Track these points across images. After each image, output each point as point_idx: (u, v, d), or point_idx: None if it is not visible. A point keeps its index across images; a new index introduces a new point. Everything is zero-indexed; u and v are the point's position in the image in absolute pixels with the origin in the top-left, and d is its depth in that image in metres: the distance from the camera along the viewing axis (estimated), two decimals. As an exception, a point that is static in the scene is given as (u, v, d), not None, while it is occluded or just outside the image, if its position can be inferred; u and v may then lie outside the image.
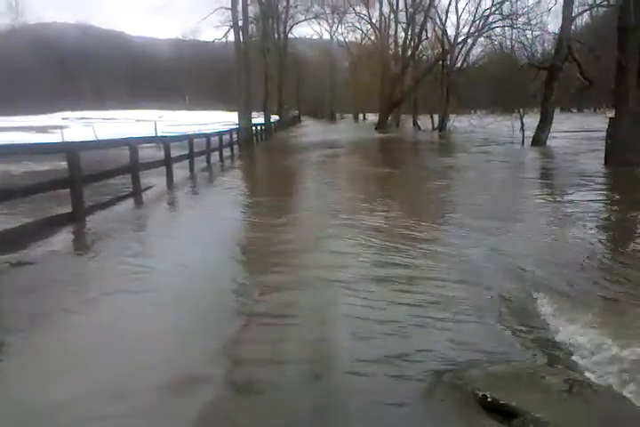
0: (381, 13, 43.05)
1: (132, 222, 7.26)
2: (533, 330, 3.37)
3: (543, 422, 2.26)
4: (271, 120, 36.73)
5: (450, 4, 42.53)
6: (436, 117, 37.26)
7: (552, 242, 5.98)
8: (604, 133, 14.25)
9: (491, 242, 5.78)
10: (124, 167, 8.88)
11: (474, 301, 3.86)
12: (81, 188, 6.91)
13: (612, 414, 2.41)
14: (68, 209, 6.81)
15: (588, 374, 2.75)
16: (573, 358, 2.97)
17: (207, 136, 15.61)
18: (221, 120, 51.89)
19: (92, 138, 20.32)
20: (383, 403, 2.48)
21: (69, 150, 6.84)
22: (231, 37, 27.64)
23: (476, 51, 37.02)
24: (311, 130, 42.84)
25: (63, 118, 60.15)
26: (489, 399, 2.45)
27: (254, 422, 2.35)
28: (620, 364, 2.84)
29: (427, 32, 38.06)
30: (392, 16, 42.44)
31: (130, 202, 8.67)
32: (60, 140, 19.79)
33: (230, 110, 65.28)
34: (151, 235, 6.66)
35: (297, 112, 63.78)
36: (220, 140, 17.02)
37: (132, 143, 8.99)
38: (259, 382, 2.67)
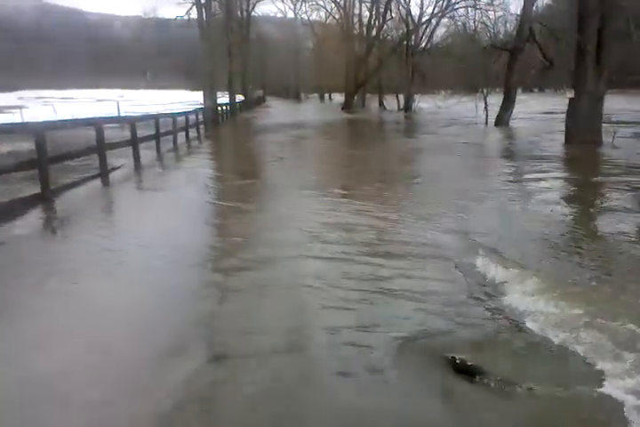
0: (345, -9, 42.63)
1: (98, 203, 7.28)
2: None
3: (504, 378, 2.49)
4: (236, 100, 36.35)
5: (414, -16, 42.23)
6: (401, 98, 37.46)
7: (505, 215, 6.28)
8: (564, 114, 14.67)
9: (459, 219, 6.02)
10: (90, 148, 8.78)
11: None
12: (47, 169, 6.86)
13: (565, 370, 2.64)
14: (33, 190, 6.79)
15: (541, 335, 2.98)
16: (527, 321, 3.20)
17: (173, 116, 15.42)
18: (185, 100, 51.04)
19: (53, 118, 19.81)
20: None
21: (36, 131, 6.76)
22: (194, 15, 27.15)
23: (440, 31, 37.28)
24: (277, 110, 42.56)
25: (19, 98, 58.11)
26: (457, 361, 2.64)
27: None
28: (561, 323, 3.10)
29: (391, 12, 38.03)
30: (356, -6, 42.10)
31: (97, 183, 8.61)
32: (20, 120, 19.27)
33: (194, 89, 64.18)
34: (117, 216, 6.71)
35: (262, 92, 63.12)
36: (187, 120, 16.84)
37: (97, 123, 8.88)
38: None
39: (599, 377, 2.53)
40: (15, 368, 2.69)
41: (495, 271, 4.09)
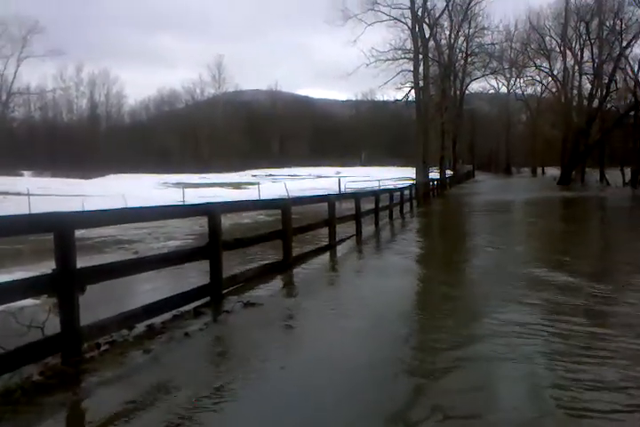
0: (565, 66, 41.76)
1: (330, 273, 7.97)
2: None
3: None
4: (446, 175, 37.01)
5: (643, 53, 39.62)
6: (627, 171, 34.58)
7: None
8: None
9: None
10: (324, 221, 9.74)
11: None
12: (291, 240, 7.79)
13: None
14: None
15: None
16: None
17: (390, 192, 16.32)
18: (395, 176, 53.29)
19: (283, 193, 22.30)
20: None
21: (283, 206, 7.81)
22: (411, 97, 28.90)
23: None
24: (486, 185, 41.56)
25: (253, 175, 66.28)
26: None
27: None
28: None
29: (616, 83, 36.13)
30: (576, 68, 41.01)
31: (326, 255, 9.29)
32: (256, 196, 22.01)
33: (402, 166, 66.74)
34: (343, 285, 7.20)
35: (471, 167, 63.08)
36: (402, 195, 17.62)
37: (330, 199, 9.88)
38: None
39: None
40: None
41: None
